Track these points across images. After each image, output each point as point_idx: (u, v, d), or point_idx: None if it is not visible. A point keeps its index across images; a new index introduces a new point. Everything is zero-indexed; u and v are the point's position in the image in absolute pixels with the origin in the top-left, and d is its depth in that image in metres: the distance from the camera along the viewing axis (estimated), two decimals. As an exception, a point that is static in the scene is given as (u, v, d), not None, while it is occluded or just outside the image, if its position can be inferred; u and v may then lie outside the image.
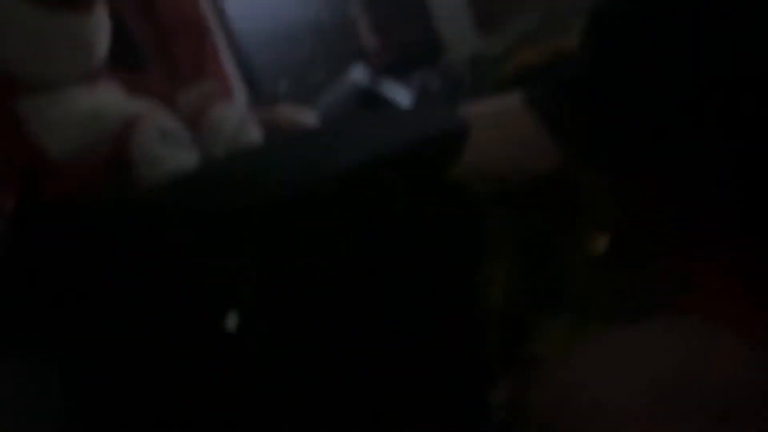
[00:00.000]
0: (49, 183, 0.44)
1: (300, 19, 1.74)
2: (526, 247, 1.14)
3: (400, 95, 1.04)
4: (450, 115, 0.57)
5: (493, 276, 1.11)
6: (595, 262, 1.13)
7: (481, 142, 0.64)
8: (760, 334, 0.57)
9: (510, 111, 0.68)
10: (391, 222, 0.82)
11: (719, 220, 0.74)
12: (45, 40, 0.46)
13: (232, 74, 1.45)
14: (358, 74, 1.13)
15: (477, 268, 1.06)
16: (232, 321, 0.49)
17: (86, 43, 0.48)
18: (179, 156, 0.42)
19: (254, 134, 0.51)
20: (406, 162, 0.48)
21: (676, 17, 0.57)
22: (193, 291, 0.46)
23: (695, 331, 0.61)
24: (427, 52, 2.07)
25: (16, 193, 0.44)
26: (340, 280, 0.81)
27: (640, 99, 0.61)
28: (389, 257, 0.84)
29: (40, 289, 0.40)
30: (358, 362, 0.78)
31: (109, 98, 0.51)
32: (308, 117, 0.67)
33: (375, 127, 0.50)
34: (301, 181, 0.38)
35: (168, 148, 0.42)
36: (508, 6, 1.81)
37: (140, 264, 0.37)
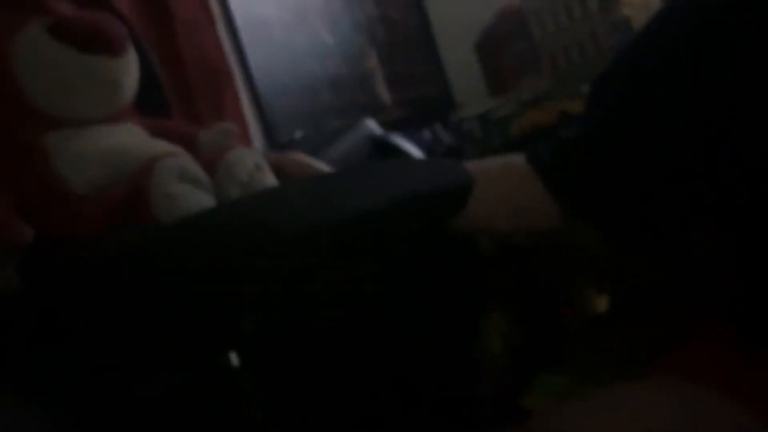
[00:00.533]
0: (70, 216, 0.44)
1: (318, 71, 1.78)
2: (525, 300, 1.13)
3: (411, 147, 1.05)
4: (456, 167, 0.57)
5: (494, 326, 1.10)
6: (594, 320, 1.12)
7: (484, 197, 0.64)
8: (747, 397, 0.57)
9: (513, 168, 0.69)
10: (394, 267, 0.82)
11: (713, 284, 0.74)
12: (75, 80, 0.47)
13: (250, 121, 1.47)
14: (371, 125, 1.15)
15: (477, 317, 1.06)
16: (232, 359, 0.49)
17: (114, 85, 0.49)
18: (196, 196, 0.43)
19: (268, 178, 0.51)
20: (411, 210, 0.48)
21: (672, 86, 0.58)
22: (197, 327, 0.46)
23: (685, 393, 0.60)
24: (440, 108, 2.10)
25: (38, 225, 0.45)
26: (340, 321, 0.81)
27: (636, 162, 0.62)
28: (390, 301, 0.84)
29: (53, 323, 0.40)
30: (356, 402, 0.77)
31: (132, 138, 0.51)
32: (320, 164, 0.68)
33: (383, 175, 0.50)
34: (308, 224, 0.39)
35: (185, 188, 0.42)
36: (518, 70, 1.84)
37: (147, 298, 0.37)
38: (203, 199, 0.43)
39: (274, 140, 1.54)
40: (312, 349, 0.77)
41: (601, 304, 1.12)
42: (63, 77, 0.47)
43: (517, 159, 0.70)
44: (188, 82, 1.25)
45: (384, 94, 2.03)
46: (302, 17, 1.79)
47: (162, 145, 0.51)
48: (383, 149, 0.99)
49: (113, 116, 0.51)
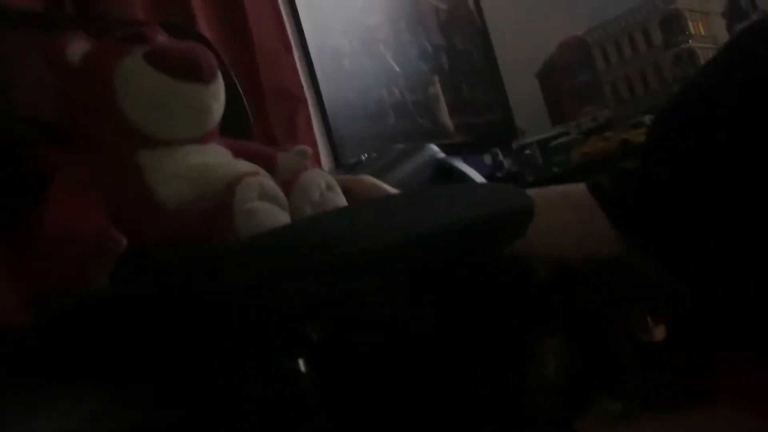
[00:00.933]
0: (160, 228, 0.47)
1: (384, 97, 1.81)
2: (581, 326, 1.11)
3: (472, 171, 1.05)
4: (518, 192, 0.57)
5: (548, 350, 1.09)
6: (650, 347, 1.09)
7: (546, 224, 0.64)
8: None
9: (575, 197, 0.69)
10: (456, 287, 0.82)
11: (763, 318, 0.72)
12: (169, 104, 0.50)
13: (320, 143, 1.51)
14: (434, 149, 1.16)
15: (531, 340, 1.04)
16: (300, 365, 0.50)
17: (205, 109, 0.51)
18: (273, 213, 0.45)
19: (339, 198, 0.53)
20: (474, 232, 0.49)
21: (736, 121, 0.57)
22: (268, 335, 0.48)
23: (739, 425, 0.58)
24: (501, 135, 2.10)
25: (130, 235, 0.48)
26: (399, 338, 0.82)
27: (697, 195, 0.60)
28: (447, 321, 0.84)
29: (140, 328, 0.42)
30: (410, 419, 0.78)
31: (217, 158, 0.54)
32: (386, 186, 0.69)
33: (447, 198, 0.51)
34: (374, 242, 0.40)
35: (264, 205, 0.44)
36: (580, 99, 1.83)
37: (224, 308, 0.39)
38: (280, 216, 0.45)
39: (341, 162, 1.57)
40: (372, 361, 0.78)
41: (658, 332, 1.10)
42: (158, 101, 0.50)
43: (579, 187, 0.69)
44: (265, 105, 1.30)
45: (447, 119, 2.05)
46: (371, 47, 1.83)
47: (244, 165, 0.53)
48: (445, 172, 1.00)
49: (202, 137, 0.54)
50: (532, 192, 0.70)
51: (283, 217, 0.45)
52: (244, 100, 0.73)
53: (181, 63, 0.49)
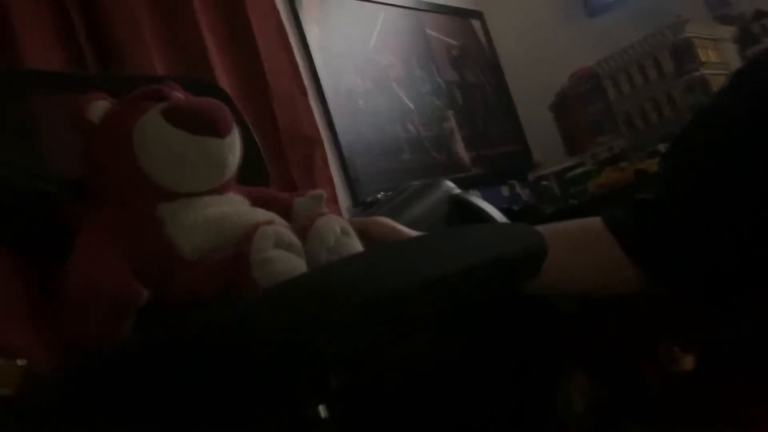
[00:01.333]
0: (180, 278, 0.48)
1: (399, 134, 1.83)
2: (608, 359, 1.10)
3: (488, 205, 1.05)
4: (530, 233, 0.57)
5: (575, 384, 1.07)
6: (679, 378, 1.07)
7: (562, 261, 0.64)
8: None
9: (590, 232, 0.68)
10: (472, 328, 0.82)
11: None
12: (186, 159, 0.52)
13: (337, 181, 1.53)
14: (449, 185, 1.16)
15: (557, 375, 1.03)
16: (321, 411, 0.51)
17: (221, 162, 0.53)
18: (289, 260, 0.45)
19: (354, 242, 0.54)
20: (487, 274, 0.49)
21: (751, 149, 0.57)
22: (288, 384, 0.48)
23: None
24: (518, 167, 2.11)
25: (151, 285, 0.49)
26: (420, 380, 0.81)
27: (714, 223, 0.60)
28: (469, 361, 0.84)
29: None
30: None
31: (234, 207, 0.55)
32: (401, 227, 0.69)
33: (459, 241, 0.52)
34: (390, 286, 0.40)
35: (280, 253, 0.45)
36: (594, 130, 1.83)
37: (243, 361, 0.39)
38: (295, 263, 0.46)
39: (358, 199, 1.59)
40: (394, 404, 0.78)
41: (687, 362, 1.08)
42: (176, 156, 0.52)
43: (594, 221, 0.69)
44: (282, 148, 1.32)
45: (463, 153, 2.06)
46: (384, 85, 1.86)
47: (260, 214, 0.55)
48: (460, 208, 1.00)
49: (219, 187, 0.55)
50: (550, 227, 0.70)
51: (299, 265, 0.46)
52: (261, 149, 0.75)
53: (197, 119, 0.51)
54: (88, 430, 0.48)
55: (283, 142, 1.34)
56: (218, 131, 0.51)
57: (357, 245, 0.54)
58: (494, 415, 0.90)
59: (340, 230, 0.52)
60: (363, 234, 0.56)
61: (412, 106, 1.94)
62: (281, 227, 0.47)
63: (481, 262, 0.46)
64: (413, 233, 0.68)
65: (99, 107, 0.55)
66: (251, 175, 0.62)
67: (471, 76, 2.27)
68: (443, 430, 0.83)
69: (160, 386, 0.42)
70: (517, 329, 0.91)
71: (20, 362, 0.73)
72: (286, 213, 0.58)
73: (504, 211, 1.07)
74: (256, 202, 0.58)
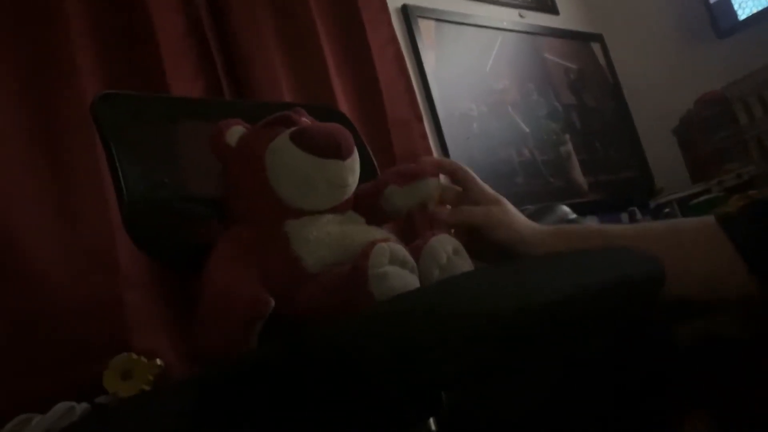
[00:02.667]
0: (303, 292, 0.52)
1: (513, 158, 1.82)
2: (734, 397, 1.04)
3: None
4: (649, 259, 0.56)
5: (695, 424, 1.02)
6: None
7: (670, 262, 0.60)
8: None
9: (702, 233, 0.65)
10: (587, 358, 0.80)
11: None
12: (311, 179, 0.56)
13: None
14: (564, 209, 1.15)
15: (676, 413, 0.99)
16: (432, 424, 0.52)
17: (342, 182, 0.57)
18: (403, 276, 0.48)
19: (466, 262, 0.55)
20: (603, 299, 0.48)
21: None
22: (402, 400, 0.50)
23: None
24: (638, 193, 2.03)
25: (279, 298, 0.52)
26: (531, 406, 0.81)
27: None
28: (581, 392, 0.82)
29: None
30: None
31: (353, 225, 0.60)
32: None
33: (574, 263, 0.52)
34: (511, 305, 0.41)
35: (394, 269, 0.48)
36: (721, 156, 1.73)
37: (359, 376, 0.41)
38: (408, 279, 0.48)
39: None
40: (499, 425, 0.78)
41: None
42: (302, 177, 0.56)
43: (709, 220, 0.66)
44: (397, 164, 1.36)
45: (580, 178, 2.02)
46: (499, 110, 1.87)
47: (378, 232, 0.58)
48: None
49: (340, 206, 0.59)
50: (663, 226, 0.68)
51: (413, 281, 0.49)
52: (377, 168, 0.78)
53: (322, 142, 0.55)
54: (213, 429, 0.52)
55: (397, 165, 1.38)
56: (341, 154, 0.55)
57: (468, 265, 0.55)
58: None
59: (452, 250, 0.54)
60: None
61: (527, 129, 1.93)
62: (396, 245, 0.49)
63: (604, 283, 0.46)
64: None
65: (235, 132, 0.61)
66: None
67: (590, 100, 2.22)
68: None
69: (281, 397, 0.45)
70: (633, 361, 0.88)
71: (158, 362, 0.80)
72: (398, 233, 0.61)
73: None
74: (371, 221, 0.62)
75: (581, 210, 1.33)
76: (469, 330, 0.37)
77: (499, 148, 1.81)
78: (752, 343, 0.99)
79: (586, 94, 2.22)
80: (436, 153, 1.57)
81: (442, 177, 0.70)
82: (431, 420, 0.52)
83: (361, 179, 0.61)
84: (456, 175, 0.72)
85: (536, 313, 0.41)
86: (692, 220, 0.69)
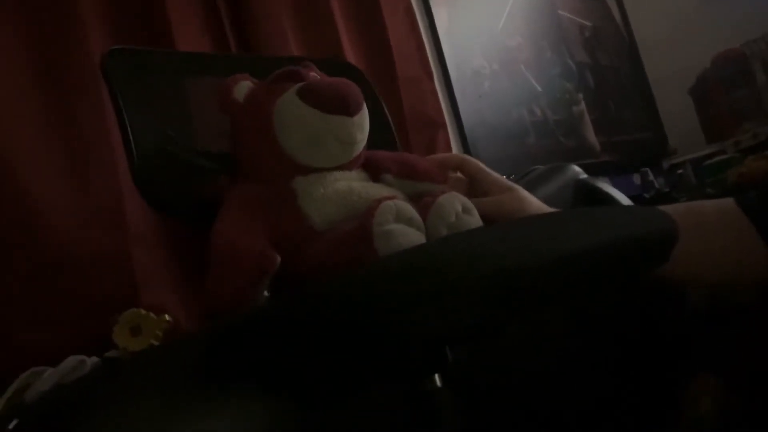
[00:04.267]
0: (310, 248, 0.52)
1: (525, 117, 1.80)
2: (743, 363, 1.04)
3: (616, 192, 1.02)
4: (662, 217, 0.55)
5: (703, 388, 1.02)
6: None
7: (691, 244, 0.61)
8: None
9: (723, 215, 0.65)
10: (597, 316, 0.80)
11: None
12: (318, 135, 0.56)
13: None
14: (575, 169, 1.14)
15: (683, 376, 0.99)
16: (437, 380, 0.53)
17: (350, 139, 0.57)
18: (409, 234, 0.48)
19: (475, 221, 0.55)
20: (613, 257, 0.48)
21: None
22: (406, 355, 0.50)
23: None
24: (651, 153, 2.01)
25: (287, 254, 0.53)
26: (541, 363, 0.81)
27: None
28: (589, 350, 0.82)
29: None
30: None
31: (361, 183, 0.59)
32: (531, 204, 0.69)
33: (585, 220, 0.51)
34: (512, 262, 0.40)
35: (400, 227, 0.47)
36: (737, 116, 1.71)
37: (363, 328, 0.41)
38: (414, 237, 0.48)
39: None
40: (511, 385, 0.79)
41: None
42: (310, 133, 0.56)
43: (729, 203, 0.65)
44: (406, 130, 1.35)
45: (592, 138, 2.00)
46: (511, 67, 1.84)
47: (385, 190, 0.58)
48: (587, 193, 0.98)
49: (348, 164, 0.59)
50: (683, 207, 0.67)
51: (418, 238, 0.48)
52: (392, 126, 0.78)
53: (329, 98, 0.55)
54: (222, 384, 0.53)
55: (407, 125, 1.37)
56: (349, 110, 0.55)
57: (478, 223, 0.55)
58: (612, 407, 0.88)
59: (462, 208, 0.54)
60: (486, 213, 0.57)
61: (539, 88, 1.91)
62: (403, 202, 0.49)
63: (612, 241, 0.46)
64: (542, 207, 0.67)
65: (243, 87, 0.60)
66: (381, 146, 0.65)
67: (604, 58, 2.18)
68: (559, 416, 0.83)
69: (286, 351, 0.45)
70: (646, 322, 0.88)
71: (167, 317, 0.82)
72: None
73: (634, 198, 1.03)
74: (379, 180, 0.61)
75: (593, 171, 1.32)
76: (470, 286, 0.37)
77: (510, 108, 1.79)
78: (762, 309, 0.99)
79: (601, 52, 2.18)
80: (446, 112, 1.56)
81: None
82: (436, 376, 0.53)
83: (375, 135, 0.60)
84: (463, 168, 0.70)
85: (540, 271, 0.41)
86: (712, 202, 0.68)
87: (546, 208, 0.69)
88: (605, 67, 2.17)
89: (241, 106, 0.60)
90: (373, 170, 0.62)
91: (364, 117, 0.57)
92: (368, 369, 0.55)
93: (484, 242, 0.43)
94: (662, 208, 0.71)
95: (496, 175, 0.70)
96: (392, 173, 0.62)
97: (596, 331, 0.86)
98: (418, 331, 0.41)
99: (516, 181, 1.22)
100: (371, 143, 0.61)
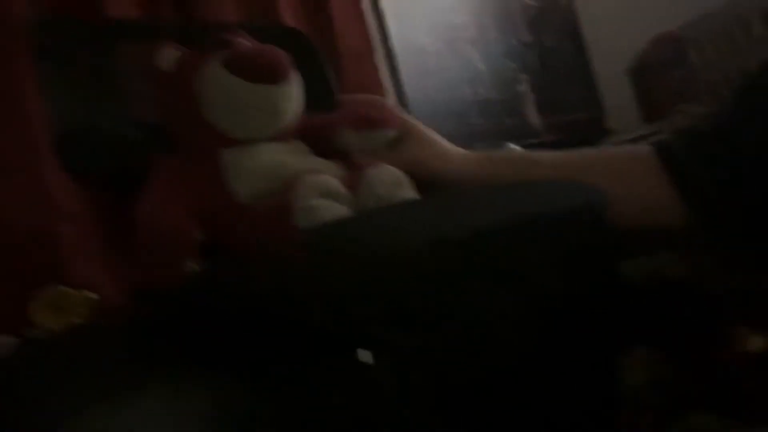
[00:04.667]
0: (234, 222, 0.51)
1: (468, 96, 1.81)
2: (674, 336, 1.07)
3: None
4: (589, 191, 0.55)
5: (636, 360, 1.05)
6: (748, 360, 1.04)
7: (609, 190, 0.59)
8: None
9: (633, 160, 0.65)
10: (528, 290, 0.81)
11: None
12: (243, 106, 0.54)
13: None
14: (516, 149, 1.15)
15: (617, 349, 1.02)
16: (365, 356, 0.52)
17: (277, 110, 0.55)
18: (335, 210, 0.47)
19: (408, 194, 0.54)
20: (535, 230, 0.48)
21: None
22: (327, 328, 0.50)
23: None
24: (592, 134, 2.05)
25: (214, 230, 0.52)
26: (478, 341, 0.82)
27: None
28: (521, 324, 0.83)
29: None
30: (486, 415, 0.77)
31: (291, 155, 0.57)
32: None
33: (510, 195, 0.51)
34: (440, 235, 0.40)
35: (325, 202, 0.46)
36: (675, 98, 1.75)
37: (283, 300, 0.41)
38: (340, 212, 0.47)
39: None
40: (444, 362, 0.79)
41: (757, 342, 1.04)
42: (233, 103, 0.54)
43: (644, 149, 0.64)
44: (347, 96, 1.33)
45: (534, 118, 2.02)
46: (456, 45, 1.84)
47: (317, 164, 0.56)
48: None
49: (281, 135, 0.57)
50: (593, 153, 0.67)
51: (344, 214, 0.47)
52: (333, 84, 0.75)
53: (253, 66, 0.53)
54: (152, 365, 0.52)
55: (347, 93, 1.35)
56: (273, 78, 0.53)
57: (411, 197, 0.54)
58: (547, 383, 0.89)
59: (393, 181, 0.53)
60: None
61: (484, 67, 1.91)
62: (328, 177, 0.48)
63: (531, 215, 0.46)
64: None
65: (169, 56, 0.58)
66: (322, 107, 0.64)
67: (548, 38, 2.20)
68: (493, 391, 0.84)
69: (203, 331, 0.45)
70: (578, 295, 0.90)
71: (91, 295, 0.79)
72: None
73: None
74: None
75: (534, 150, 1.33)
76: (377, 267, 0.36)
77: (455, 86, 1.79)
78: (695, 283, 1.03)
79: (545, 32, 2.20)
80: (389, 87, 1.55)
81: None
82: (366, 353, 0.52)
83: (319, 107, 0.59)
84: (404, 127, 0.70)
85: (450, 248, 0.40)
86: (627, 148, 0.68)
87: (460, 150, 0.69)
88: (549, 47, 2.19)
89: (166, 76, 0.57)
90: (322, 137, 0.61)
91: (292, 85, 0.55)
92: (285, 348, 0.54)
93: (396, 220, 0.42)
94: (576, 152, 0.71)
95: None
96: (355, 129, 0.61)
97: (534, 306, 0.87)
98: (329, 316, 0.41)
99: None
100: (316, 112, 0.60)
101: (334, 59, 1.33)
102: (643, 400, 1.02)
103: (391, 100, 1.52)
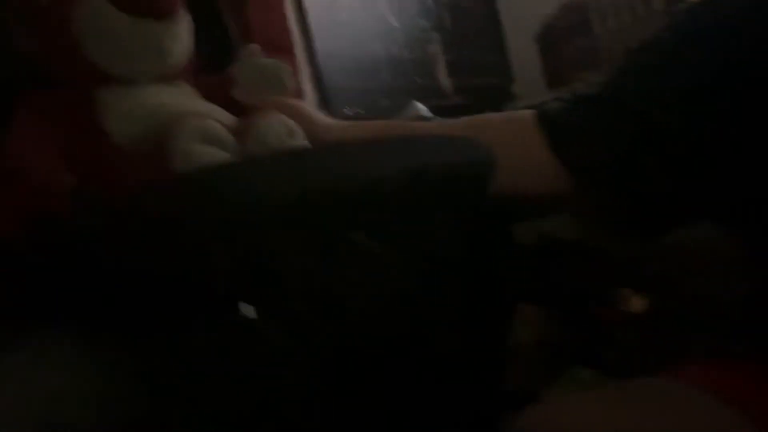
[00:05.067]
0: (109, 167, 0.48)
1: (380, 53, 1.78)
2: (561, 295, 1.12)
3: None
4: (476, 147, 0.55)
5: (526, 318, 1.09)
6: (629, 319, 1.10)
7: None
8: (744, 404, 0.54)
9: (509, 124, 0.65)
10: (419, 249, 0.82)
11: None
12: (127, 43, 0.50)
13: (309, 96, 1.50)
14: (419, 107, 1.14)
15: (508, 307, 1.05)
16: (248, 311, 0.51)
17: (162, 48, 0.52)
18: (216, 156, 0.45)
19: (300, 144, 0.53)
20: (419, 184, 0.47)
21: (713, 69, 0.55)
22: (216, 276, 0.48)
23: (685, 397, 0.57)
24: (499, 98, 2.08)
25: (87, 172, 0.48)
26: (365, 298, 0.82)
27: (649, 131, 0.56)
28: (413, 281, 0.84)
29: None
30: (376, 378, 0.78)
31: (177, 98, 0.54)
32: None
33: (398, 149, 0.50)
34: (329, 184, 0.39)
35: (205, 148, 0.44)
36: (578, 65, 1.80)
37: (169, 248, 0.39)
38: (219, 158, 0.45)
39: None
40: (336, 319, 0.79)
41: (638, 303, 1.11)
42: (114, 38, 0.50)
43: (524, 113, 0.64)
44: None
45: (444, 79, 2.02)
46: (370, 0, 1.80)
47: (201, 106, 0.54)
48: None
49: (166, 77, 0.54)
50: (471, 118, 0.67)
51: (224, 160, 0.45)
52: (232, 35, 0.72)
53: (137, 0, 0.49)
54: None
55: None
56: (156, 13, 0.50)
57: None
58: (438, 341, 0.91)
59: (285, 131, 0.51)
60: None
61: (396, 24, 1.89)
62: (212, 122, 0.46)
63: (416, 168, 0.45)
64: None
65: None
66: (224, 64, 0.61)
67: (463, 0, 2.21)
68: (383, 347, 0.85)
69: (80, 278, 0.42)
70: (467, 255, 0.91)
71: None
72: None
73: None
74: (210, 97, 0.57)
75: (443, 113, 1.33)
76: (243, 216, 0.35)
77: (366, 41, 1.76)
78: (584, 245, 1.07)
79: (459, -7, 2.20)
80: (298, 38, 1.50)
81: None
82: (249, 307, 0.51)
83: (214, 50, 0.56)
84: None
85: (322, 199, 0.40)
86: (506, 114, 0.68)
87: (330, 119, 0.68)
88: (463, 9, 2.20)
89: (43, 7, 0.52)
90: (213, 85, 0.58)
91: (178, 24, 0.52)
92: (162, 298, 0.52)
93: (279, 169, 0.41)
94: (451, 120, 0.71)
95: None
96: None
97: (422, 261, 0.88)
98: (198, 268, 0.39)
99: (363, 117, 1.20)
100: (210, 59, 0.57)
101: (239, 6, 1.28)
102: (532, 356, 1.06)
103: (299, 50, 1.48)
